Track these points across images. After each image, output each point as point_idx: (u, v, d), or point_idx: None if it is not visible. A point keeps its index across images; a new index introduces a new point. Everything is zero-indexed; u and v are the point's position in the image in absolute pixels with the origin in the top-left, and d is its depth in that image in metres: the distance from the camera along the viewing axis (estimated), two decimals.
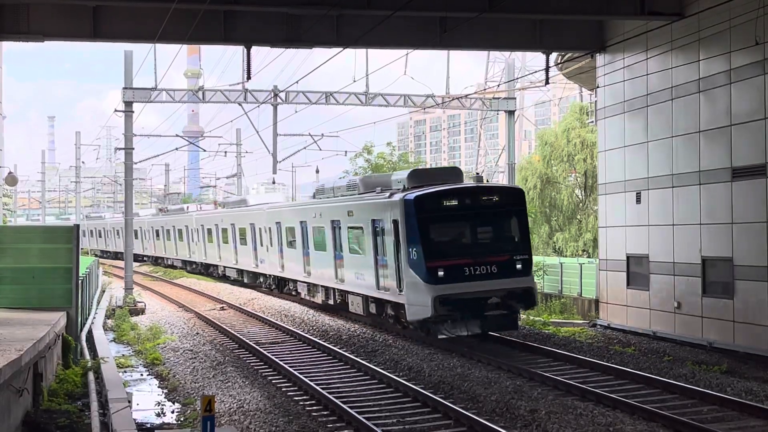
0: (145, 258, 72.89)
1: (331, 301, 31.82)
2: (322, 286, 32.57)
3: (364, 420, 15.78)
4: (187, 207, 62.13)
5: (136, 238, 71.10)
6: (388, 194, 25.65)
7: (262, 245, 40.07)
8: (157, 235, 66.16)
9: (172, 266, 62.03)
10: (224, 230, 47.02)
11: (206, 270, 53.91)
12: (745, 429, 15.11)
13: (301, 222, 33.74)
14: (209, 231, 50.55)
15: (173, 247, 61.25)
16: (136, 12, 26.44)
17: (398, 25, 26.41)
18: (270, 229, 38.52)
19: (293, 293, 37.23)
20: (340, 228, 29.38)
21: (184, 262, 59.36)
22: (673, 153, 26.49)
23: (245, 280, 44.92)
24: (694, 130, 25.50)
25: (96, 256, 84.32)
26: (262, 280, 42.28)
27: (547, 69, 30.53)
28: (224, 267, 48.69)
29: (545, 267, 38.73)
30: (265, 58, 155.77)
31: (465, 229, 24.39)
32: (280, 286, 39.34)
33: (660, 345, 25.20)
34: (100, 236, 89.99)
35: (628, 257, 29.13)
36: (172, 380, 21.28)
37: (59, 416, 16.79)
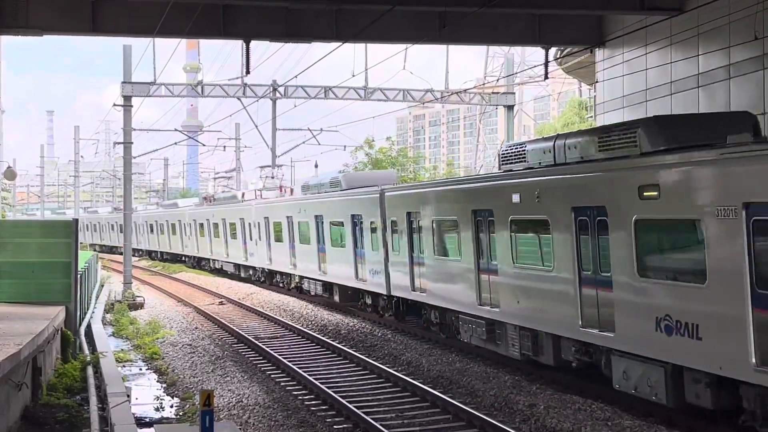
0: (184, 258, 60.19)
1: (570, 358, 17.37)
2: (549, 334, 17.72)
3: (362, 415, 15.79)
4: (243, 194, 48.53)
5: (174, 233, 60.54)
6: None
7: (375, 249, 27.21)
8: (201, 230, 53.03)
9: (220, 270, 50.38)
10: (303, 225, 34.40)
11: (270, 279, 41.14)
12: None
13: (477, 213, 20.12)
14: (277, 226, 37.78)
15: (222, 246, 47.95)
16: (135, 6, 26.43)
17: (397, 20, 26.39)
18: (393, 224, 25.78)
19: (433, 326, 24.10)
20: (620, 222, 15.09)
21: (238, 266, 46.51)
22: None
23: (337, 298, 31.94)
24: None
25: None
26: (368, 300, 29.27)
27: (546, 64, 30.52)
28: (301, 277, 35.93)
29: None
30: (264, 53, 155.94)
31: None
32: (400, 312, 26.95)
33: None
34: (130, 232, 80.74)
35: None
36: (171, 375, 21.30)
37: (58, 410, 16.81)
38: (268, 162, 53.35)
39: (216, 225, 48.97)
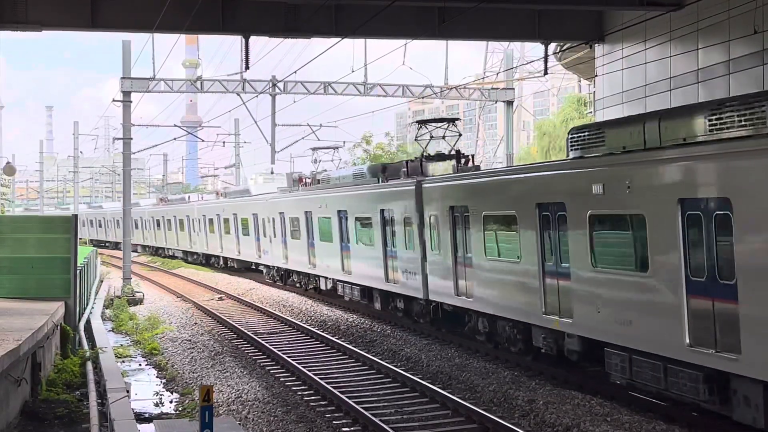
0: (259, 267, 42.57)
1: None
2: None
3: (362, 410, 15.80)
4: (383, 169, 27.80)
5: (246, 233, 43.16)
6: None
7: None
8: (294, 228, 35.31)
9: (332, 292, 32.21)
10: (578, 221, 16.64)
11: (448, 320, 23.62)
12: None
13: None
14: (494, 225, 20.20)
15: (334, 255, 30.53)
16: (135, 1, 26.43)
17: (397, 15, 26.38)
18: None
19: None
20: None
21: (368, 291, 28.22)
22: None
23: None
24: None
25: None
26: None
27: (545, 59, 30.53)
28: (575, 338, 17.06)
29: None
30: (264, 48, 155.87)
31: None
32: None
33: None
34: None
35: None
36: (170, 370, 21.31)
37: (57, 406, 16.82)
38: (267, 157, 53.25)
39: (326, 221, 31.37)
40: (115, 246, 70.95)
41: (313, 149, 36.90)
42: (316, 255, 32.95)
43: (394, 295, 26.35)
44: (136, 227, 69.42)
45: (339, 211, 30.12)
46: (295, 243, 35.49)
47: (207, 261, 53.04)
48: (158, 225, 63.63)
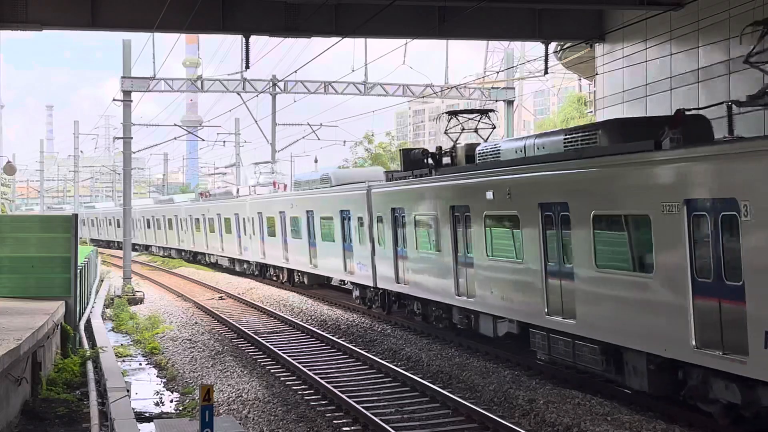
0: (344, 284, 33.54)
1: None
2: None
3: (362, 410, 15.79)
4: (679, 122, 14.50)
5: (328, 239, 31.57)
6: None
7: None
8: (422, 232, 23.67)
9: (498, 338, 20.72)
10: None
11: None
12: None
13: None
14: None
15: (532, 281, 18.06)
16: (135, 1, 26.44)
17: (397, 15, 26.38)
18: None
19: None
20: None
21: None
22: None
23: None
24: None
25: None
26: None
27: (546, 58, 30.52)
28: None
29: None
30: (264, 48, 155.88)
31: None
32: None
33: None
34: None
35: None
36: (170, 369, 21.31)
37: (58, 405, 16.82)
38: (267, 156, 53.28)
39: (505, 223, 19.53)
40: (190, 256, 57.38)
41: (449, 113, 25.33)
42: (479, 279, 20.48)
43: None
44: (170, 227, 60.15)
45: (542, 205, 17.61)
46: (425, 258, 23.52)
47: (262, 273, 41.52)
48: (197, 225, 52.13)
